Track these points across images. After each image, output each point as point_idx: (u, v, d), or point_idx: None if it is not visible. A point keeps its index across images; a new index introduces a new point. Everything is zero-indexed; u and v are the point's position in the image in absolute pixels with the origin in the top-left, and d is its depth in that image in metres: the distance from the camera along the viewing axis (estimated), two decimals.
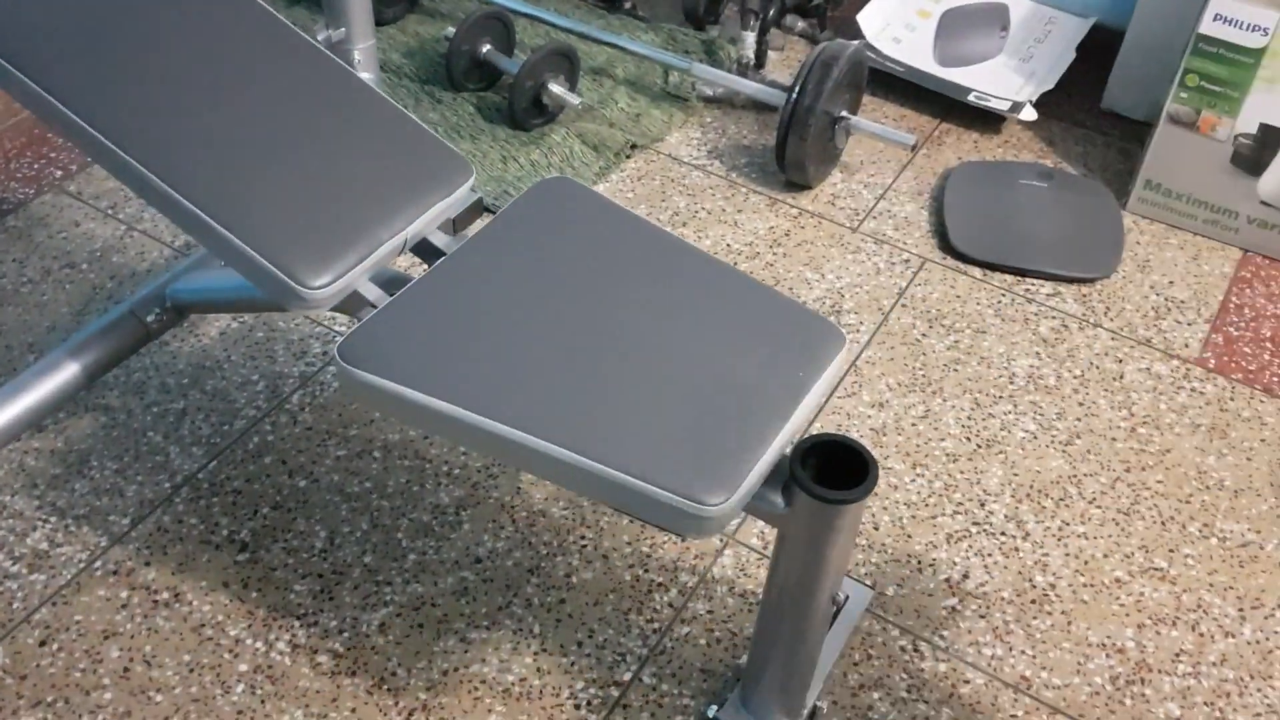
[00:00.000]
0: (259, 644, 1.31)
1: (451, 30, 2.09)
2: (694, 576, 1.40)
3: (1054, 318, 1.79)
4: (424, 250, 1.19)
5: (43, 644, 1.30)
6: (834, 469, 0.99)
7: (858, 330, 1.75)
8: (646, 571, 1.41)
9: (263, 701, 1.26)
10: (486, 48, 2.13)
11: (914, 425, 1.61)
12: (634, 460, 0.94)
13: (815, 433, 0.98)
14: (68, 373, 1.31)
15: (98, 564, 1.38)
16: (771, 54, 2.30)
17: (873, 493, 0.98)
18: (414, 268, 1.76)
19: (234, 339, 1.67)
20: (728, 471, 0.94)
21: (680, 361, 1.02)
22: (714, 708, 1.23)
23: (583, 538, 1.44)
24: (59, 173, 1.93)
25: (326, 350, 1.66)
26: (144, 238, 1.82)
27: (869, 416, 1.61)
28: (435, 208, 1.16)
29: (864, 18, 2.28)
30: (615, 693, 1.29)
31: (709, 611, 1.37)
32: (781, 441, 0.99)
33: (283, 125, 1.17)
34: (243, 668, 1.29)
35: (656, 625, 1.35)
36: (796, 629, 1.09)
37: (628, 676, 1.30)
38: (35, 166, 1.94)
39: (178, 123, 1.13)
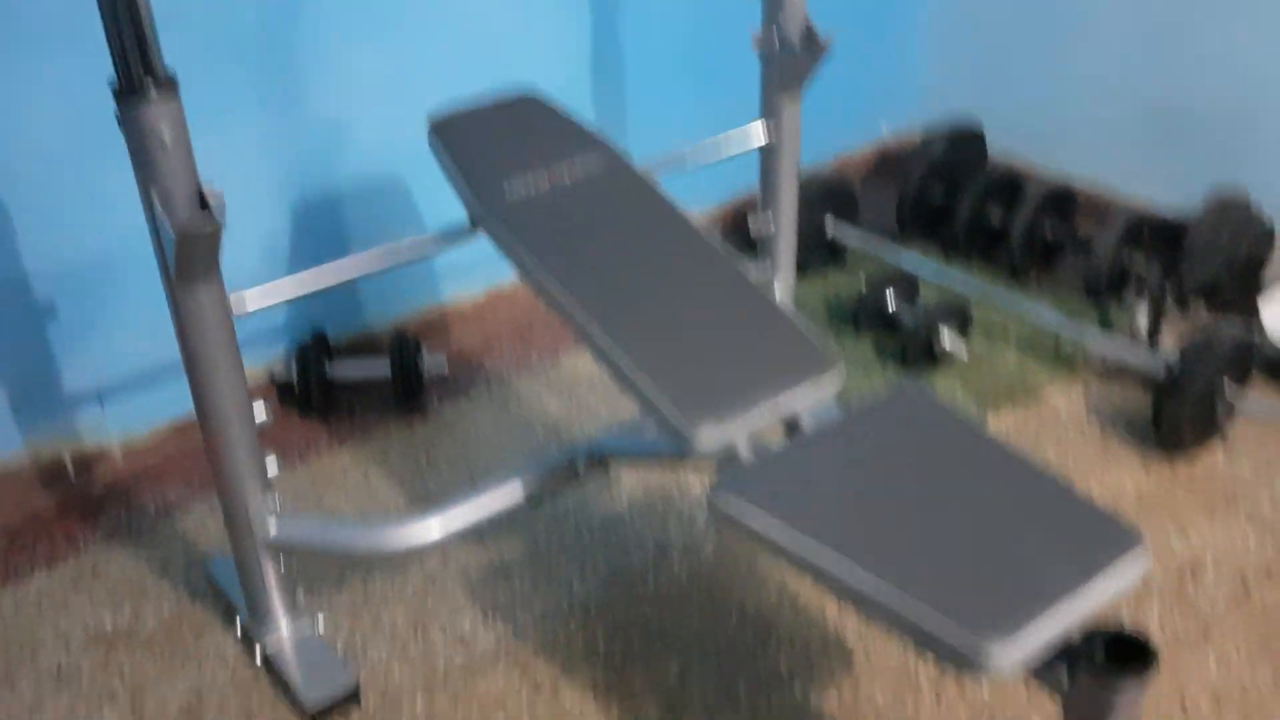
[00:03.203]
0: None
1: (863, 286, 2.44)
2: None
3: None
4: (790, 427, 1.47)
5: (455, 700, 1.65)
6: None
7: (1214, 599, 1.76)
8: None
9: None
10: (891, 300, 2.43)
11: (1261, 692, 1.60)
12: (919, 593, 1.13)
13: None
14: (513, 492, 1.70)
15: (502, 651, 1.72)
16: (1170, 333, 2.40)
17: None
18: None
19: (639, 506, 2.02)
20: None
21: (982, 546, 1.21)
22: None
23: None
24: (538, 358, 2.45)
25: (708, 525, 1.96)
26: (586, 414, 2.26)
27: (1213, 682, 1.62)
28: (805, 388, 1.43)
29: (1266, 306, 2.33)
30: None
31: None
32: (1063, 619, 1.13)
33: (696, 317, 1.53)
34: None
35: None
36: None
37: None
38: (521, 353, 2.48)
39: (625, 304, 1.52)
